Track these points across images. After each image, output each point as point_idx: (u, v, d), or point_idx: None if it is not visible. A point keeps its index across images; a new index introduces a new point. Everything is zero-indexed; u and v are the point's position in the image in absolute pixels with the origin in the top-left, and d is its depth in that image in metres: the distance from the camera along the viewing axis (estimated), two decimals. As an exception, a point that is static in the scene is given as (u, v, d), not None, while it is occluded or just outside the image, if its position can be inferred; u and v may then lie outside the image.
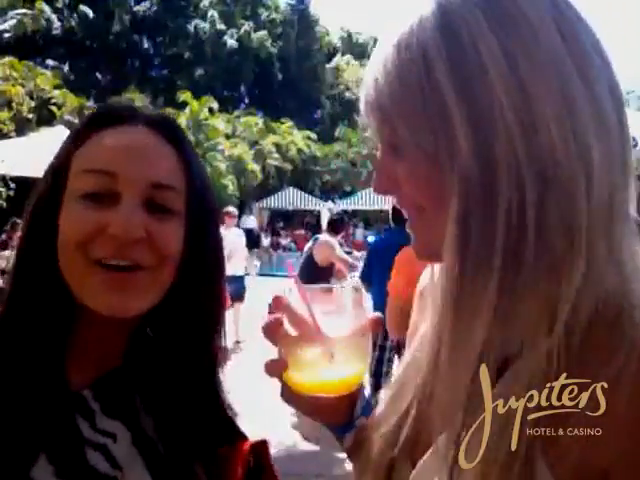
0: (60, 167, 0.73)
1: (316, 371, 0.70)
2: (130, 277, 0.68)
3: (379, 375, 4.77)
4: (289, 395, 0.74)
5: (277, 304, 0.70)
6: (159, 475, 0.72)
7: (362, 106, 0.67)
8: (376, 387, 4.80)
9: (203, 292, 0.76)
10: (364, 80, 0.68)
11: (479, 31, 0.57)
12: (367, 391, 0.83)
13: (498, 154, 0.55)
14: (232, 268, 6.82)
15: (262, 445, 0.84)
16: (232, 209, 8.08)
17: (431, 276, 0.76)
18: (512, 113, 0.55)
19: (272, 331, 0.70)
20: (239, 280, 7.66)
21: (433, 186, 0.61)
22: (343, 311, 0.73)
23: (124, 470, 0.70)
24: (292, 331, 0.71)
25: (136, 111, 0.76)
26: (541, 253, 0.56)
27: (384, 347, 4.60)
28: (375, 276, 4.44)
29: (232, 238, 7.18)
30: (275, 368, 0.70)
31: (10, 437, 0.65)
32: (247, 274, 8.67)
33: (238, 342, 7.37)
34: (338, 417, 0.81)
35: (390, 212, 5.30)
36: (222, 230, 0.86)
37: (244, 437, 0.86)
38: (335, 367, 0.70)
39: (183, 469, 0.74)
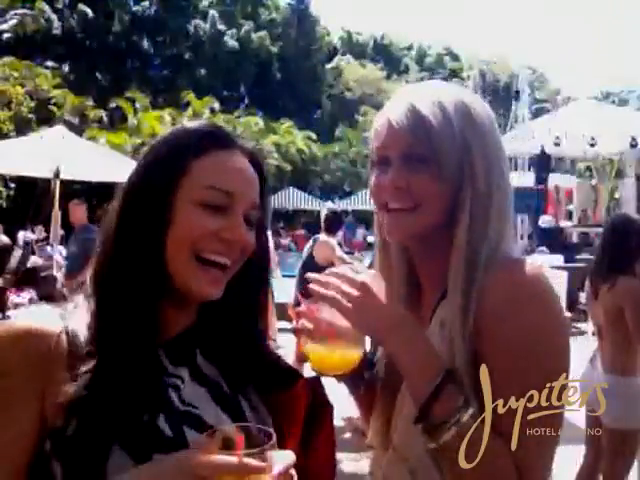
0: (176, 170, 0.88)
1: (325, 354, 0.99)
2: (224, 274, 0.90)
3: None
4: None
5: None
6: (228, 409, 0.91)
7: (403, 125, 1.02)
8: None
9: (256, 277, 0.99)
10: (408, 106, 1.04)
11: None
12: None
13: (496, 181, 1.04)
14: None
15: (317, 381, 1.03)
16: None
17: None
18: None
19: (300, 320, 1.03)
20: None
21: (441, 196, 1.01)
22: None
23: (198, 407, 0.89)
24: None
25: (238, 139, 0.97)
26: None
27: None
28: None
29: None
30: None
31: (119, 387, 0.82)
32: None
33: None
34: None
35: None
36: None
37: (300, 375, 1.03)
38: (338, 352, 1.00)
39: (247, 404, 0.93)
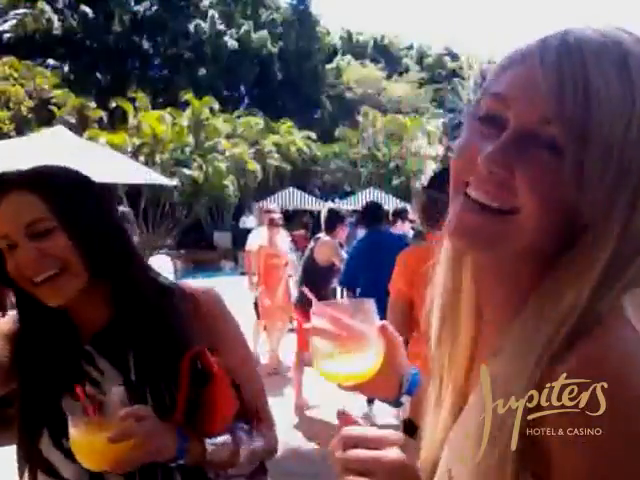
0: None
1: (338, 365, 0.92)
2: (57, 284, 1.09)
3: None
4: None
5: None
6: (134, 389, 1.11)
7: (552, 87, 0.59)
8: None
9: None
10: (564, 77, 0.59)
11: None
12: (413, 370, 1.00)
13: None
14: None
15: (201, 353, 1.14)
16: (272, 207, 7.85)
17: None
18: None
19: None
20: None
21: (555, 198, 0.61)
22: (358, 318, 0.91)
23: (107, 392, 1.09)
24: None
25: (10, 176, 1.14)
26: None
27: None
28: (361, 280, 4.40)
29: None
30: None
31: (44, 376, 1.10)
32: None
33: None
34: (383, 393, 1.01)
35: (360, 216, 5.29)
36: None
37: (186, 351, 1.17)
38: (351, 361, 0.91)
39: (149, 388, 1.13)
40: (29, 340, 1.13)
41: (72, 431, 0.95)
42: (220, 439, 1.15)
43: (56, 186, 1.12)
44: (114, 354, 1.14)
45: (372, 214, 4.91)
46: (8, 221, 1.07)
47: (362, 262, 4.34)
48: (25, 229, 1.06)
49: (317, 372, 0.93)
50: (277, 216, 6.71)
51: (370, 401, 4.90)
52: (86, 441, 0.94)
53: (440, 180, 2.77)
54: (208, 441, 1.13)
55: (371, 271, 3.87)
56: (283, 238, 6.96)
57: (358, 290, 4.56)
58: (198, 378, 1.13)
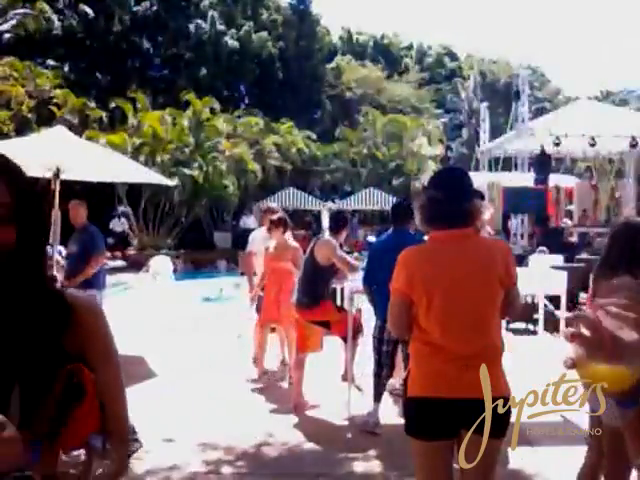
0: None
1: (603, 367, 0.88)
2: None
3: (385, 366, 4.85)
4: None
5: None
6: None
7: None
8: (384, 376, 4.88)
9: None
10: None
11: None
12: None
13: None
14: None
15: (80, 366, 1.14)
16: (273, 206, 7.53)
17: None
18: None
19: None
20: None
21: None
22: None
23: None
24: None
25: None
26: None
27: (396, 342, 4.65)
28: (378, 278, 4.44)
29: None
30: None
31: None
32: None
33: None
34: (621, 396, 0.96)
35: (390, 214, 5.29)
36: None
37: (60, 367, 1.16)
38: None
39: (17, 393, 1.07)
40: None
41: None
42: (75, 453, 1.16)
43: (19, 177, 1.12)
44: None
45: (401, 213, 4.95)
46: None
47: (384, 262, 4.33)
48: None
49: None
50: (276, 216, 6.45)
51: (377, 400, 4.90)
52: None
53: (440, 180, 2.77)
54: (64, 455, 1.13)
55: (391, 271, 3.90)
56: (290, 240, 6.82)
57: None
58: (71, 392, 1.14)
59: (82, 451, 1.16)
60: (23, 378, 1.10)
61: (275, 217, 6.41)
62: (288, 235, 6.43)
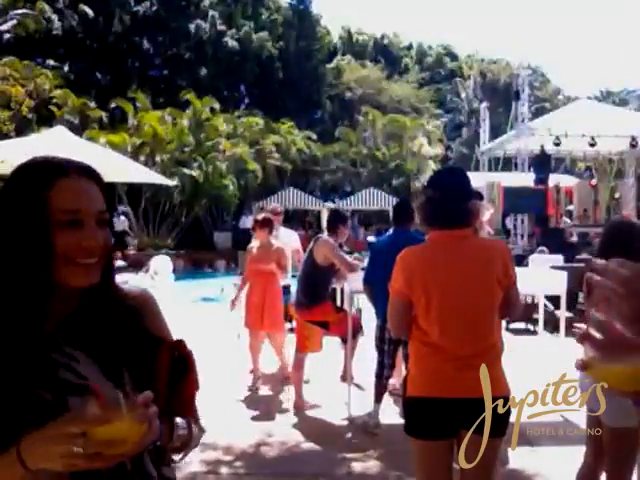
0: (41, 206, 1.10)
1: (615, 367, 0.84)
2: (95, 267, 1.14)
3: (387, 367, 4.85)
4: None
5: None
6: (114, 380, 1.13)
7: None
8: (386, 377, 4.88)
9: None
10: None
11: None
12: None
13: None
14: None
15: (179, 344, 1.24)
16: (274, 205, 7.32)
17: None
18: None
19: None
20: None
21: None
22: None
23: (89, 379, 1.11)
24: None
25: (72, 164, 1.19)
26: None
27: (398, 341, 4.65)
28: (379, 277, 4.44)
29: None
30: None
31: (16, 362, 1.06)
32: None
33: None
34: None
35: (392, 214, 5.28)
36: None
37: (162, 342, 1.24)
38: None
39: (127, 375, 1.16)
40: None
41: (91, 422, 0.96)
42: (182, 422, 1.24)
43: (103, 182, 1.21)
44: (81, 341, 1.17)
45: (403, 213, 4.95)
46: (83, 200, 1.14)
47: (385, 261, 4.32)
48: (97, 214, 1.15)
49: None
50: (261, 216, 6.24)
51: (378, 400, 4.90)
52: (114, 429, 0.96)
53: (440, 180, 2.77)
54: (176, 424, 1.22)
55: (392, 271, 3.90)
56: (284, 238, 6.58)
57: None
58: (177, 366, 1.23)
59: (184, 420, 1.25)
60: (128, 364, 1.19)
61: (260, 217, 6.23)
62: (289, 234, 6.40)
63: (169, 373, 1.21)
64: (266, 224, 6.05)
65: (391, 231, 5.11)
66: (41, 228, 1.10)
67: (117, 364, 1.18)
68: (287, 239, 6.84)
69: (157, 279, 9.38)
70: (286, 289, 6.67)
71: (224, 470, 4.13)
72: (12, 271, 1.11)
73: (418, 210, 2.65)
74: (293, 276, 6.69)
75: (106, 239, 1.17)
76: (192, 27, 31.89)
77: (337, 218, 5.65)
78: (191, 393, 1.27)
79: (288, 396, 5.63)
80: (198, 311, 10.31)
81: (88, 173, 1.19)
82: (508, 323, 7.73)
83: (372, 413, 4.87)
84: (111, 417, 0.96)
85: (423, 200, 2.62)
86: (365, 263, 5.49)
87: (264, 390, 6.01)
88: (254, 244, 6.17)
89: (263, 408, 5.46)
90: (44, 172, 1.16)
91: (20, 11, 23.10)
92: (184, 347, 1.26)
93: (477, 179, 9.33)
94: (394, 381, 5.43)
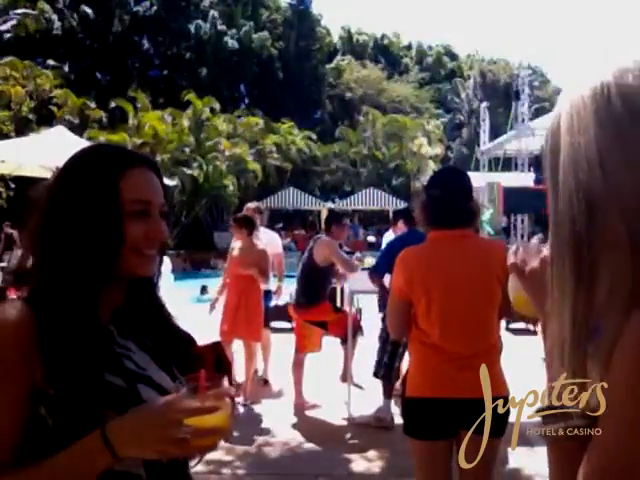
0: (115, 193, 1.10)
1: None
2: (155, 258, 1.17)
3: (390, 368, 4.85)
4: None
5: None
6: (166, 369, 1.17)
7: None
8: (388, 378, 4.88)
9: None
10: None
11: None
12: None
13: None
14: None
15: (218, 345, 1.38)
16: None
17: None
18: None
19: None
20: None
21: None
22: None
23: (146, 369, 1.14)
24: None
25: (140, 155, 1.21)
26: None
27: (397, 342, 4.64)
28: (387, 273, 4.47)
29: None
30: None
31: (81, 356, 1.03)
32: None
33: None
34: None
35: (392, 215, 5.31)
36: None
37: (194, 340, 1.29)
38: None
39: (174, 365, 1.20)
40: (53, 328, 1.04)
41: (197, 410, 0.98)
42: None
43: (162, 174, 1.23)
44: (132, 334, 1.18)
45: (411, 214, 4.99)
46: (152, 190, 1.15)
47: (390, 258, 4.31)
48: (161, 206, 1.16)
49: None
50: (240, 215, 5.76)
51: (388, 396, 4.92)
52: (215, 418, 0.98)
53: (440, 180, 2.76)
54: None
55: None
56: (263, 240, 5.74)
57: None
58: (221, 361, 1.29)
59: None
60: (172, 357, 1.21)
61: (240, 215, 5.78)
62: (271, 237, 5.93)
63: (214, 368, 1.21)
64: (244, 224, 5.52)
65: (406, 231, 5.14)
66: (114, 218, 1.09)
67: (166, 356, 1.20)
68: (267, 242, 5.93)
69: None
70: (267, 294, 6.05)
71: (225, 470, 4.13)
72: (82, 260, 1.08)
73: (419, 210, 2.64)
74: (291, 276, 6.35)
75: (166, 231, 1.19)
76: (192, 27, 31.92)
77: (335, 219, 5.62)
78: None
79: (288, 396, 5.62)
80: (198, 311, 10.30)
81: (151, 164, 1.20)
82: (508, 323, 7.73)
83: (383, 408, 4.90)
84: (215, 407, 0.97)
85: (424, 200, 2.61)
86: (365, 263, 5.48)
87: (263, 390, 6.00)
88: (235, 245, 5.68)
89: (263, 408, 5.46)
90: (115, 161, 1.14)
91: (20, 11, 23.10)
92: (222, 348, 1.27)
93: (477, 179, 9.31)
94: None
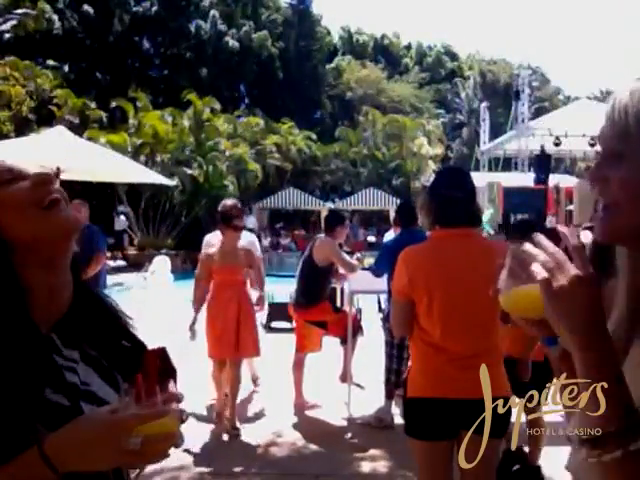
0: None
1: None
2: None
3: (398, 374, 4.84)
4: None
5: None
6: (110, 383, 1.11)
7: (609, 121, 0.83)
8: (395, 384, 4.87)
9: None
10: (616, 106, 0.82)
11: None
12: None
13: None
14: None
15: (162, 351, 1.15)
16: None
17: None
18: None
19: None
20: None
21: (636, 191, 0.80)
22: None
23: (90, 384, 1.07)
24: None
25: None
26: None
27: (402, 345, 4.64)
28: (387, 272, 4.47)
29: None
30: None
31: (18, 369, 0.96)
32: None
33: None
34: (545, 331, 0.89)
35: (394, 215, 5.30)
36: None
37: (145, 347, 1.20)
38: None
39: (120, 376, 1.12)
40: None
41: (145, 418, 0.94)
42: None
43: None
44: (75, 343, 1.10)
45: (406, 214, 4.98)
46: None
47: (393, 260, 4.31)
48: None
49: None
50: (231, 211, 4.85)
51: (389, 397, 4.92)
52: (163, 424, 0.95)
53: (441, 179, 2.76)
54: None
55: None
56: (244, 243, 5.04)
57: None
58: (166, 368, 1.20)
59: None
60: (117, 366, 1.16)
61: (230, 211, 4.84)
62: (249, 239, 5.34)
63: (159, 376, 1.16)
64: (240, 220, 4.83)
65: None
66: None
67: (111, 366, 1.15)
68: (246, 244, 5.14)
69: (150, 279, 9.34)
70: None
71: (226, 470, 4.13)
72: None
73: (422, 209, 2.63)
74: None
75: None
76: (192, 27, 31.91)
77: (334, 219, 5.64)
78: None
79: (288, 396, 5.62)
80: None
81: None
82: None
83: (384, 408, 4.90)
84: (161, 413, 0.94)
85: (426, 199, 2.61)
86: (365, 263, 5.48)
87: (264, 390, 6.00)
88: (213, 249, 4.86)
89: (263, 408, 5.46)
90: None
91: (20, 11, 23.10)
92: (166, 355, 1.20)
93: (477, 179, 9.31)
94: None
